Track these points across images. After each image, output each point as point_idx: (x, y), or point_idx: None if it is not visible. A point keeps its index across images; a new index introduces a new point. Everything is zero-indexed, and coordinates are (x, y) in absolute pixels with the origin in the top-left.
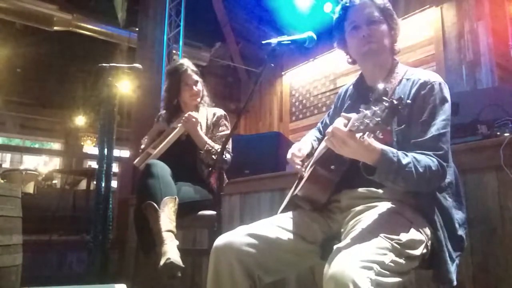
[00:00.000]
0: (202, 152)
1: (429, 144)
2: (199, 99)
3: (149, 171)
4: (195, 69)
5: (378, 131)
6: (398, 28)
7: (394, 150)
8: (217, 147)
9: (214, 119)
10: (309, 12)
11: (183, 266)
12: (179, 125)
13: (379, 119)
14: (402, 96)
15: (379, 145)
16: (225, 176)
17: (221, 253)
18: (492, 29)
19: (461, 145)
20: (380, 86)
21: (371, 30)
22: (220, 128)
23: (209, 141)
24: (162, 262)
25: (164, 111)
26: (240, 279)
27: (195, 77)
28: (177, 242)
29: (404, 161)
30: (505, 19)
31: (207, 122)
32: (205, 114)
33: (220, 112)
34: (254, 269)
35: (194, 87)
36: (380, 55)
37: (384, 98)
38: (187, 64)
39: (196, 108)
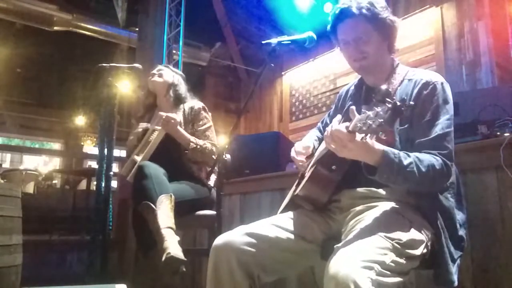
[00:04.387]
0: (187, 151)
1: (434, 143)
2: (161, 80)
3: (142, 173)
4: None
5: (380, 132)
6: (393, 27)
7: (396, 151)
8: (202, 142)
9: (192, 113)
10: (309, 12)
11: (185, 259)
12: (159, 128)
13: (382, 120)
14: (405, 98)
15: (380, 147)
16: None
17: (221, 253)
18: (492, 29)
19: (461, 145)
20: (383, 87)
21: (360, 46)
22: (201, 122)
23: (192, 139)
24: (163, 258)
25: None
26: (240, 279)
27: (158, 68)
28: (177, 238)
29: (406, 161)
30: (505, 19)
31: (184, 117)
32: (182, 110)
33: (198, 104)
34: (253, 269)
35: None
36: (374, 67)
37: (387, 99)
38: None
39: (172, 106)
